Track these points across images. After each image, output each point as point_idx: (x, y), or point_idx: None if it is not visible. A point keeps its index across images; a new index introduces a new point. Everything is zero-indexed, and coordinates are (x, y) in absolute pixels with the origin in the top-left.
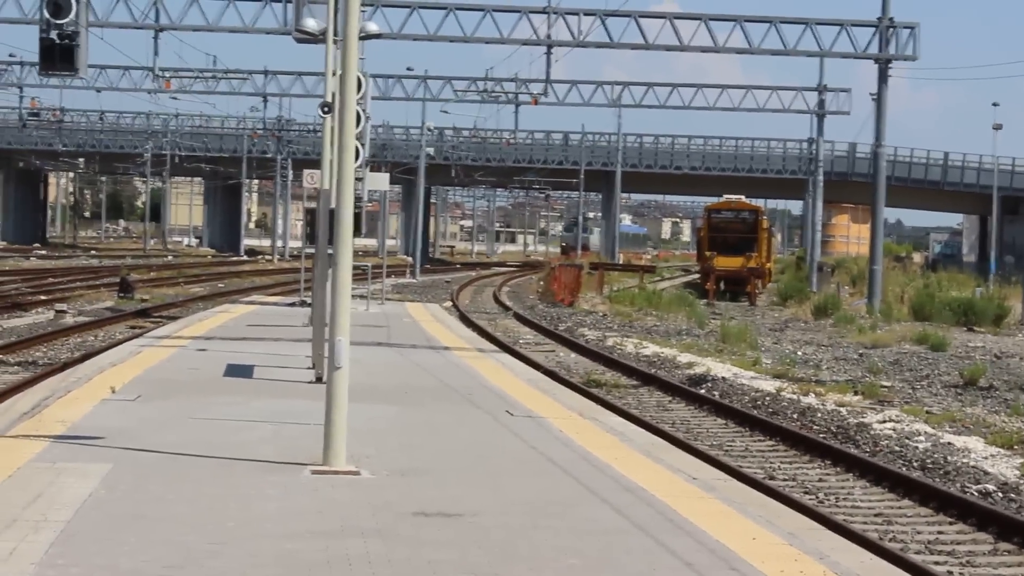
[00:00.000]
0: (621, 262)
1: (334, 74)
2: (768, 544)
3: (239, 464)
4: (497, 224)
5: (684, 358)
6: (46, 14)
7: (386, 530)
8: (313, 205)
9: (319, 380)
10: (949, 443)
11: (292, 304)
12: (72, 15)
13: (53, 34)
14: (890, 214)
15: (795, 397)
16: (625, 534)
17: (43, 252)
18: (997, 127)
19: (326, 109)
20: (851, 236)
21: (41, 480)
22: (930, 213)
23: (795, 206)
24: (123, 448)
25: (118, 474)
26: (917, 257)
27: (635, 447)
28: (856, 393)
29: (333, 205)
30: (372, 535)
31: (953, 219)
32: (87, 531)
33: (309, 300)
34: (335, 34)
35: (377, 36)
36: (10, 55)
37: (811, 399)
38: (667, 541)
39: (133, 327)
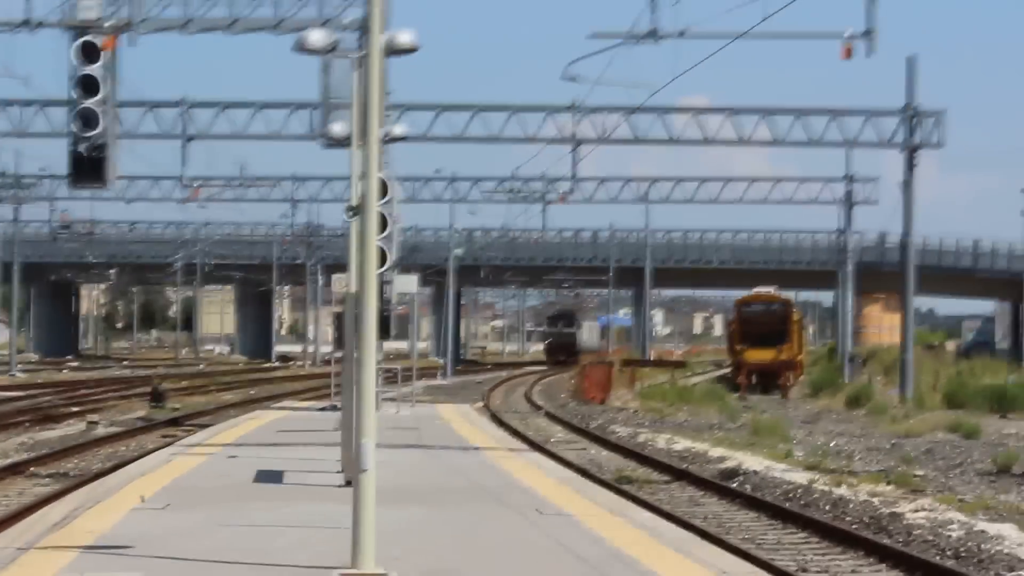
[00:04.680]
0: (652, 358)
1: (360, 178)
2: None
3: (269, 570)
4: (528, 323)
5: (716, 452)
6: (75, 127)
7: None
8: (341, 309)
9: (349, 484)
10: (983, 531)
11: (323, 409)
12: (101, 127)
13: (82, 147)
14: (922, 303)
15: (828, 488)
16: None
17: (76, 364)
18: None
19: (351, 212)
20: (883, 325)
21: None
22: (963, 300)
23: (827, 297)
24: (153, 556)
25: None
26: (950, 345)
27: (666, 542)
28: (889, 483)
29: None
30: None
31: (986, 306)
32: None
33: (340, 404)
34: (360, 138)
35: (402, 139)
36: (40, 169)
37: (843, 490)
38: None
39: (164, 436)
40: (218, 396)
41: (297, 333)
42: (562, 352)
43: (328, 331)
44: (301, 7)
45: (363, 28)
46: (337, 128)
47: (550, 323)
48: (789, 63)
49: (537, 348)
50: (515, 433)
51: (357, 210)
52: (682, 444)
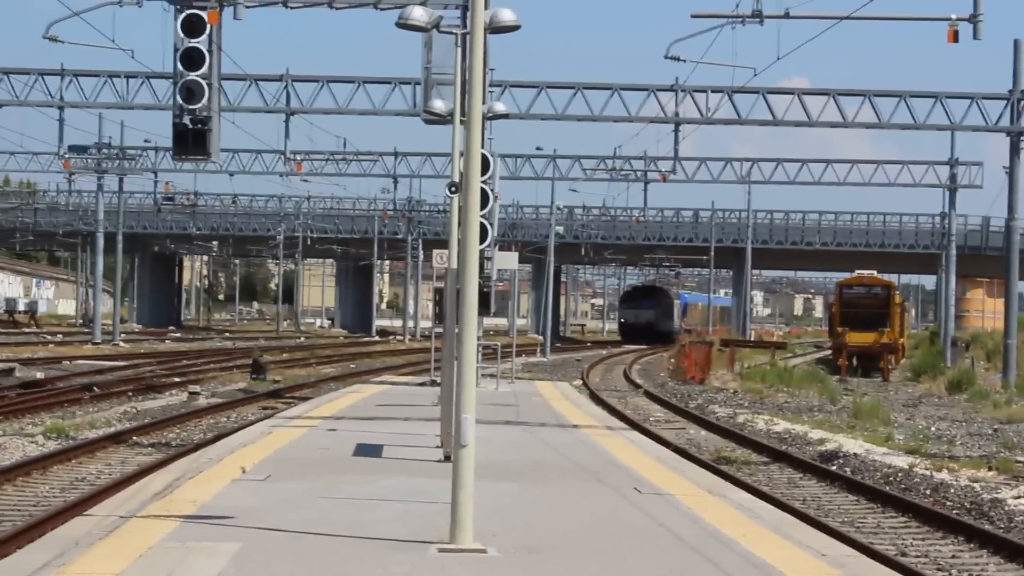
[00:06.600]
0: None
1: (461, 154)
2: None
3: (367, 543)
4: None
5: (815, 434)
6: (179, 100)
7: None
8: (441, 285)
9: (447, 459)
10: None
11: (422, 384)
12: (204, 100)
13: (186, 119)
14: None
15: (928, 473)
16: None
17: (177, 335)
18: None
19: (453, 189)
20: (986, 311)
21: (171, 559)
22: None
23: (928, 281)
24: (252, 527)
25: (247, 553)
26: None
27: (764, 524)
28: (990, 469)
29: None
30: None
31: None
32: None
33: (439, 379)
34: (462, 115)
35: (504, 116)
36: (145, 140)
37: (944, 475)
38: None
39: (265, 408)
40: (318, 369)
41: (396, 308)
42: (638, 334)
43: (427, 306)
44: None
45: (466, 5)
46: (439, 104)
47: (624, 302)
48: (892, 45)
49: None
50: (613, 411)
51: (459, 186)
52: (781, 425)
